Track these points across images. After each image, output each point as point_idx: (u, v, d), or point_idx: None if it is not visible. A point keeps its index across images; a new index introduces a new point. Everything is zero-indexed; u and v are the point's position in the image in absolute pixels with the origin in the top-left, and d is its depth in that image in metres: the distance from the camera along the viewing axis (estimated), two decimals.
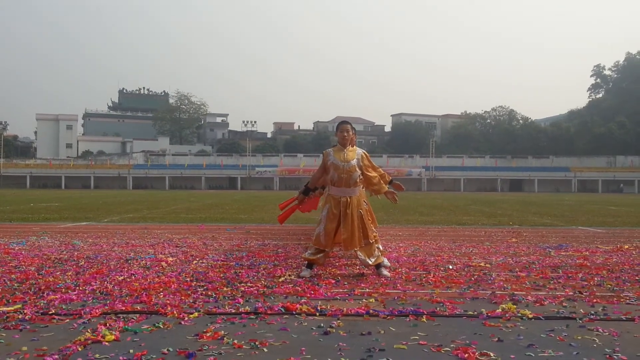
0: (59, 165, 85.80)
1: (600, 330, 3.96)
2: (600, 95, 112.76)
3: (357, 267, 6.73)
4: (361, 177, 6.39)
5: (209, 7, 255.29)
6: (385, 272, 6.22)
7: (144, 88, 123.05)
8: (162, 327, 3.99)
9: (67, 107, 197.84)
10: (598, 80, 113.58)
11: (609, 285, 5.71)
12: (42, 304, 4.64)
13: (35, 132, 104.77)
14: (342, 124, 6.47)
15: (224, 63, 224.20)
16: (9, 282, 5.64)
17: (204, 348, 3.51)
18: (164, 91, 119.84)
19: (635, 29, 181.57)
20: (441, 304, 4.74)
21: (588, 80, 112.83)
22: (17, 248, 8.52)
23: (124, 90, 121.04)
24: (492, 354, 3.39)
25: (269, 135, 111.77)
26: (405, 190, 7.25)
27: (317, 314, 4.41)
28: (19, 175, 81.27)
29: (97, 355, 3.35)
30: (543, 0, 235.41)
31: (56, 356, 3.32)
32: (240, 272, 6.29)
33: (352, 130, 6.51)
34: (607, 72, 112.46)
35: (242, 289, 5.36)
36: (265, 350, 3.50)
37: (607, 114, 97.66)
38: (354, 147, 6.55)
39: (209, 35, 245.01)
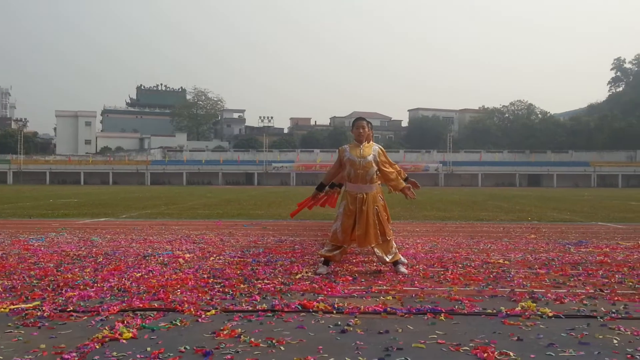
0: (77, 162, 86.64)
1: (621, 329, 3.88)
2: (621, 88, 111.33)
3: (374, 264, 6.70)
4: (378, 173, 6.36)
5: (224, 0, 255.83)
6: (402, 269, 6.19)
7: (161, 84, 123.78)
8: (179, 324, 3.99)
9: (85, 104, 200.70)
10: (618, 73, 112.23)
11: (631, 283, 5.61)
12: (60, 301, 4.67)
13: (55, 129, 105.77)
14: (358, 120, 6.44)
15: (240, 58, 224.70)
16: (27, 279, 5.69)
17: (221, 346, 3.50)
18: (181, 87, 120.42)
19: None
20: (459, 302, 4.69)
21: (608, 73, 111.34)
22: (36, 244, 8.61)
23: (142, 87, 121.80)
24: (511, 354, 3.34)
25: (285, 131, 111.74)
26: (421, 187, 7.19)
27: (334, 311, 4.39)
28: (38, 171, 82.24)
29: (114, 353, 3.36)
30: None
31: (74, 354, 3.33)
32: (257, 269, 6.29)
33: (368, 126, 6.48)
34: (627, 66, 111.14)
35: (259, 286, 5.36)
36: (282, 348, 3.48)
37: (627, 108, 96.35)
38: (371, 142, 6.52)
39: (224, 30, 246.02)
